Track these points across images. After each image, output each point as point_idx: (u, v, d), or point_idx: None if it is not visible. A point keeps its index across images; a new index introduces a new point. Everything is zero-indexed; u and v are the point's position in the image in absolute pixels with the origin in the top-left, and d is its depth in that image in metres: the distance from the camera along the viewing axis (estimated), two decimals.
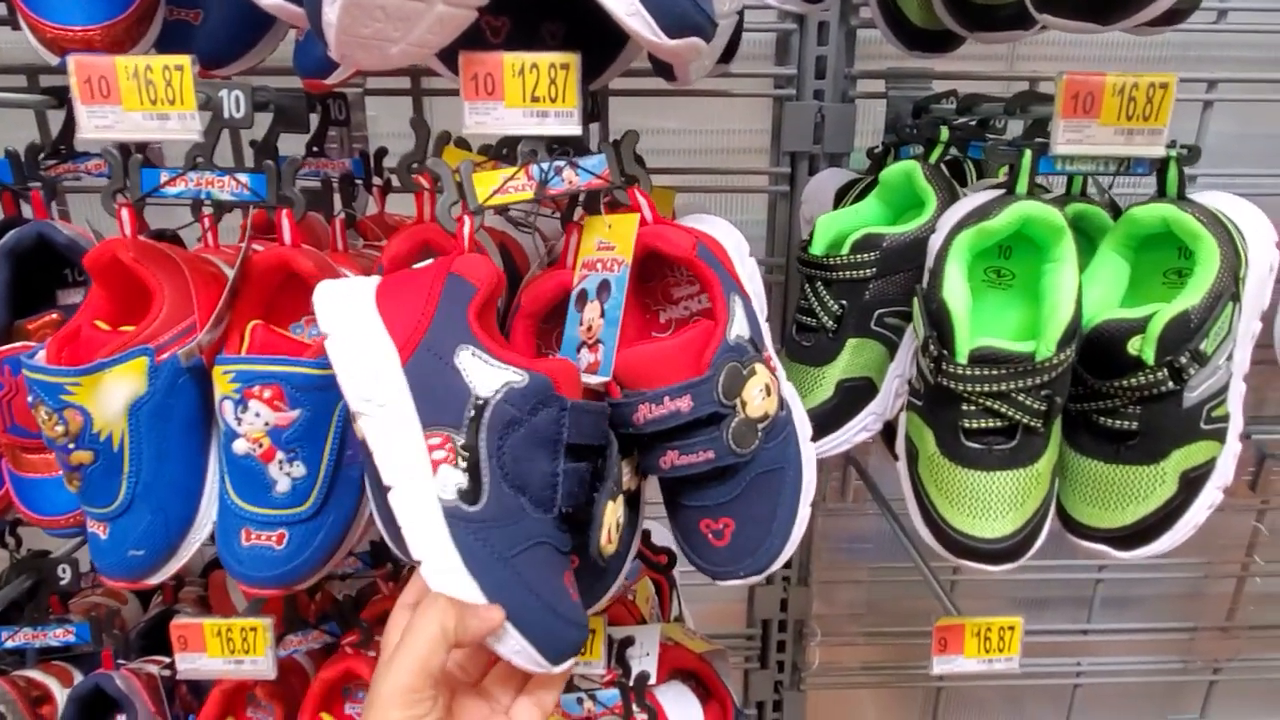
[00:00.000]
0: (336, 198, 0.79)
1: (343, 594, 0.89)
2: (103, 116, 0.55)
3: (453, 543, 0.48)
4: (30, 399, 0.59)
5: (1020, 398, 0.56)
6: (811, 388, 0.69)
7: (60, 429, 0.59)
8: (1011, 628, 0.71)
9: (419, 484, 0.48)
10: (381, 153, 0.83)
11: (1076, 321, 0.56)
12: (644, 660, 0.78)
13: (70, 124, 0.79)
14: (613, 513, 0.52)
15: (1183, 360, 0.57)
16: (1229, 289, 0.57)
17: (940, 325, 0.58)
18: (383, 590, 0.87)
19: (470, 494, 0.48)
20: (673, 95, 0.95)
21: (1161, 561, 1.17)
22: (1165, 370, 0.57)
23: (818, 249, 0.69)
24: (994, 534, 0.59)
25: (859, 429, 0.70)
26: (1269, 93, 0.96)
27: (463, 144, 0.70)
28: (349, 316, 0.51)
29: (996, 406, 0.56)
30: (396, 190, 0.85)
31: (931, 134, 0.72)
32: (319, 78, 0.73)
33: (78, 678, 0.82)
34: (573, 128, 0.55)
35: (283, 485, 0.61)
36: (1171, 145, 0.61)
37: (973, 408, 0.57)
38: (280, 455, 0.61)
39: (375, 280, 0.53)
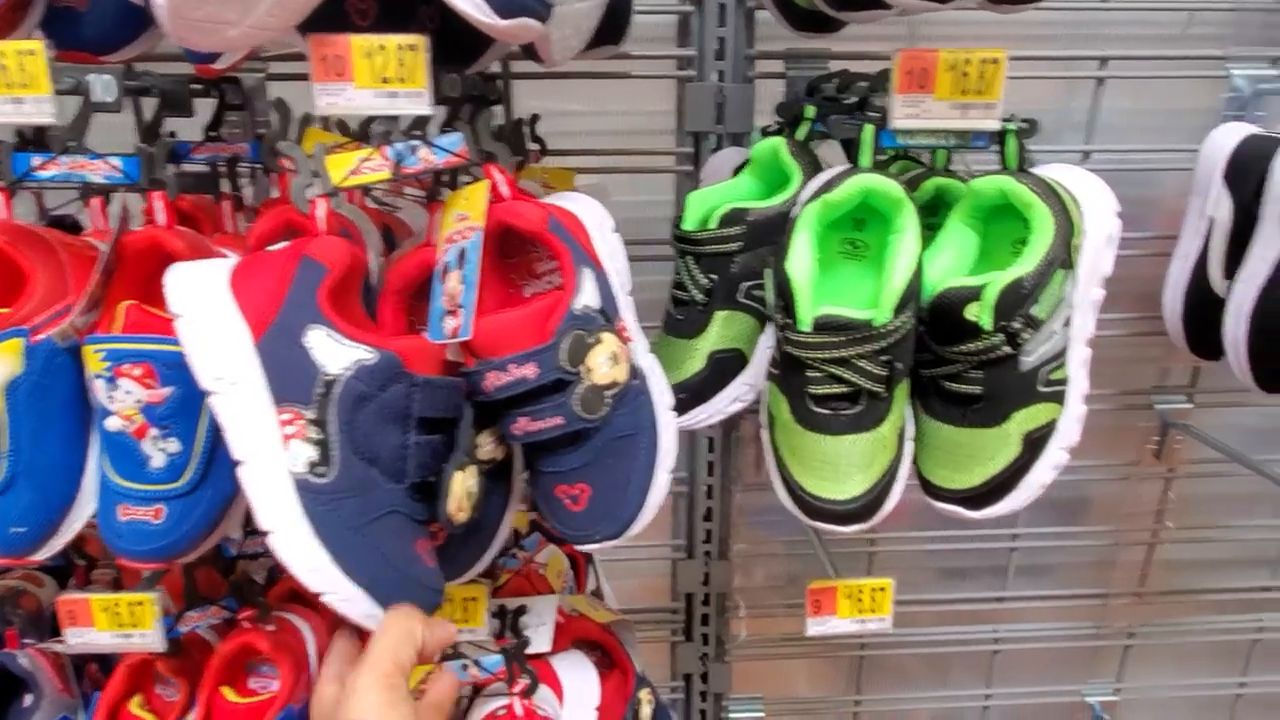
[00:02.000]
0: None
1: (258, 573, 0.90)
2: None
3: (303, 513, 0.50)
4: None
5: (861, 363, 0.58)
6: (684, 360, 0.71)
7: None
8: (882, 589, 0.73)
9: (270, 458, 0.50)
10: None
11: (911, 289, 0.59)
12: (539, 630, 0.80)
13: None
14: (461, 482, 0.54)
15: (1016, 325, 0.59)
16: (1060, 257, 0.60)
17: (785, 294, 0.60)
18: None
19: (320, 466, 0.50)
20: (579, 78, 0.98)
21: (1073, 529, 1.21)
22: (1001, 335, 0.59)
23: (688, 224, 0.71)
24: (843, 496, 0.61)
25: (731, 400, 0.72)
26: (1160, 69, 0.98)
27: (343, 127, 0.72)
28: (200, 298, 0.53)
29: (839, 373, 0.59)
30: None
31: (798, 112, 0.74)
32: (208, 63, 0.74)
33: None
34: (423, 108, 0.57)
35: (158, 461, 0.63)
36: (1010, 119, 0.63)
37: (818, 374, 0.59)
38: (154, 431, 0.62)
39: (229, 263, 0.55)
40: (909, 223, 0.60)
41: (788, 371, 0.61)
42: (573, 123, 1.03)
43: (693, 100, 0.96)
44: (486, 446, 0.61)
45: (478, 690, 0.78)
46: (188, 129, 0.77)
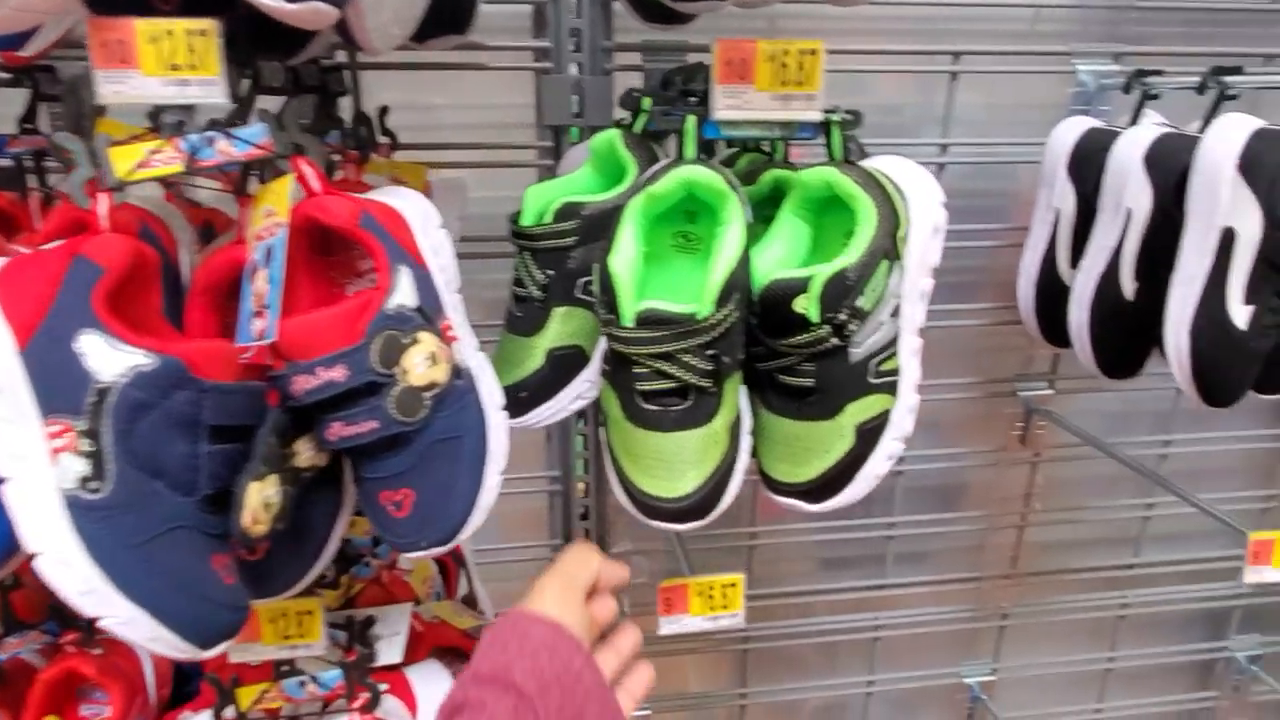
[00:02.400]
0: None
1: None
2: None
3: (74, 532, 0.46)
4: None
5: (686, 358, 0.57)
6: (524, 358, 0.69)
7: None
8: (733, 584, 0.73)
9: (36, 474, 0.47)
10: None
11: (734, 281, 0.58)
12: (390, 640, 0.78)
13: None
14: (258, 493, 0.51)
15: (843, 317, 0.59)
16: (885, 247, 0.60)
17: (608, 290, 0.59)
18: None
19: (93, 481, 0.47)
20: (430, 69, 0.95)
21: (947, 515, 1.23)
22: (828, 327, 0.59)
23: (526, 220, 0.69)
24: (675, 493, 0.60)
25: (574, 397, 0.70)
26: (1010, 64, 1.01)
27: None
28: None
29: (664, 368, 0.58)
30: None
31: (634, 105, 0.73)
32: (12, 49, 0.69)
33: None
34: (216, 96, 0.54)
35: None
36: (833, 111, 0.63)
37: (644, 370, 0.58)
38: None
39: None
40: (734, 214, 0.59)
41: (616, 368, 0.60)
42: (433, 116, 1.01)
43: (550, 93, 0.93)
44: (306, 454, 0.58)
45: (325, 706, 0.75)
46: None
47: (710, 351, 0.58)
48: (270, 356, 0.55)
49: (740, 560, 1.19)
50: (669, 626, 0.74)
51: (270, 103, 0.63)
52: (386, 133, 0.88)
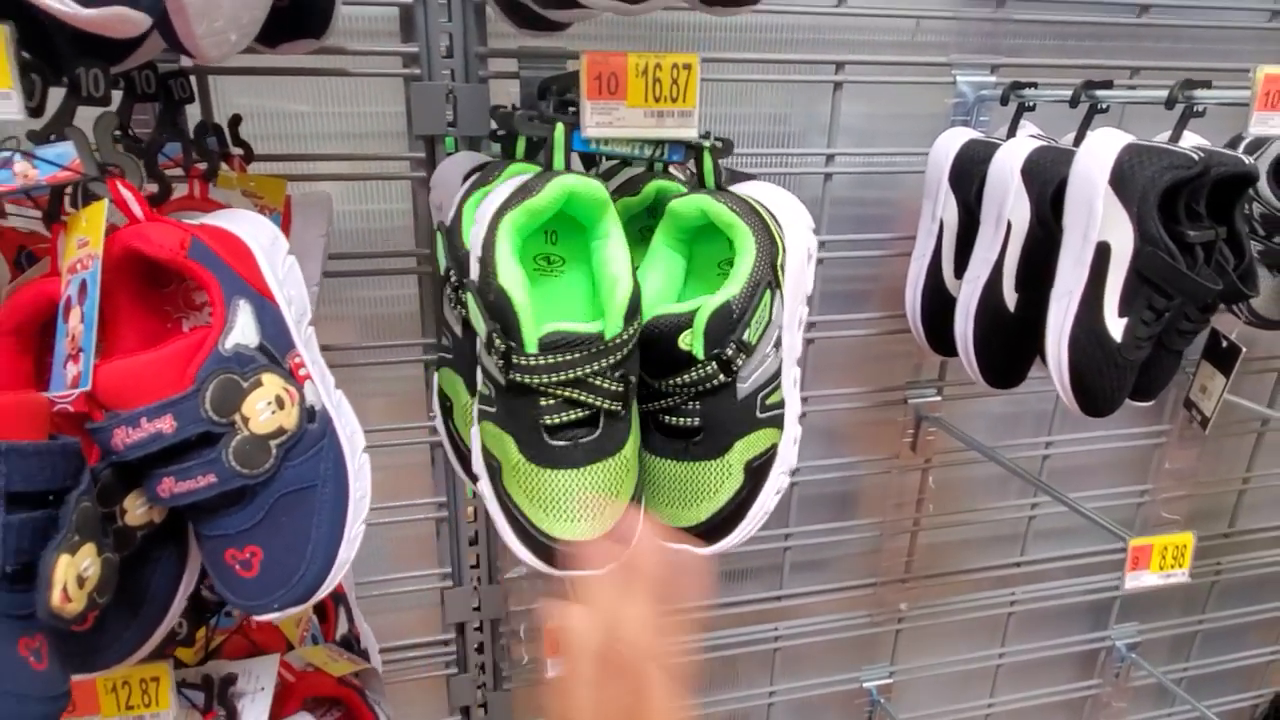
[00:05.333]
0: None
1: None
2: None
3: None
4: None
5: (597, 381, 0.53)
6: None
7: None
8: None
9: None
10: None
11: (636, 295, 0.54)
12: (255, 697, 0.71)
13: None
14: (68, 566, 0.44)
15: (729, 352, 0.56)
16: (767, 277, 0.57)
17: (504, 316, 0.53)
18: None
19: None
20: (288, 74, 0.88)
21: (842, 524, 1.23)
22: (715, 364, 0.56)
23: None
24: (595, 533, 0.55)
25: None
26: (892, 74, 1.01)
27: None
28: None
29: (575, 395, 0.53)
30: None
31: (505, 124, 0.69)
32: None
33: None
34: (12, 111, 0.47)
35: None
36: (706, 136, 0.60)
37: (551, 401, 0.53)
38: None
39: None
40: (613, 226, 0.56)
41: (511, 405, 0.55)
42: (298, 124, 0.94)
43: (421, 101, 0.88)
44: (138, 510, 0.52)
45: None
46: None
47: (619, 372, 0.54)
48: (90, 405, 0.49)
49: None
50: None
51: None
52: (240, 143, 0.81)
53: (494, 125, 0.84)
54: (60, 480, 0.45)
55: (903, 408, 1.16)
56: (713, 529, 0.62)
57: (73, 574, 0.44)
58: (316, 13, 0.72)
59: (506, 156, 0.82)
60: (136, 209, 0.51)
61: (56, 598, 0.43)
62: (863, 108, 1.02)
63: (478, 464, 0.58)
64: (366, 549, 0.83)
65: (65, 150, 0.50)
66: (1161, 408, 1.30)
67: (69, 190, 0.53)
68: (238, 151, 0.80)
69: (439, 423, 0.65)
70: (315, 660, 0.82)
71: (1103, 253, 0.75)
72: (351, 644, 0.94)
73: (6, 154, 0.48)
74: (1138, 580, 0.82)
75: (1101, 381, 0.77)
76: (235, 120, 0.81)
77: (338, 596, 0.95)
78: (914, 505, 1.23)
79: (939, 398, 1.16)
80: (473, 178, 0.68)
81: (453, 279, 0.62)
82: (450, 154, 0.90)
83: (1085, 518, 0.92)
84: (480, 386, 0.57)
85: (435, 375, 0.68)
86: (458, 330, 0.64)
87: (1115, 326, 0.76)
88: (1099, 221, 0.74)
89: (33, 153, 0.49)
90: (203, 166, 0.72)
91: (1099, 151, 0.74)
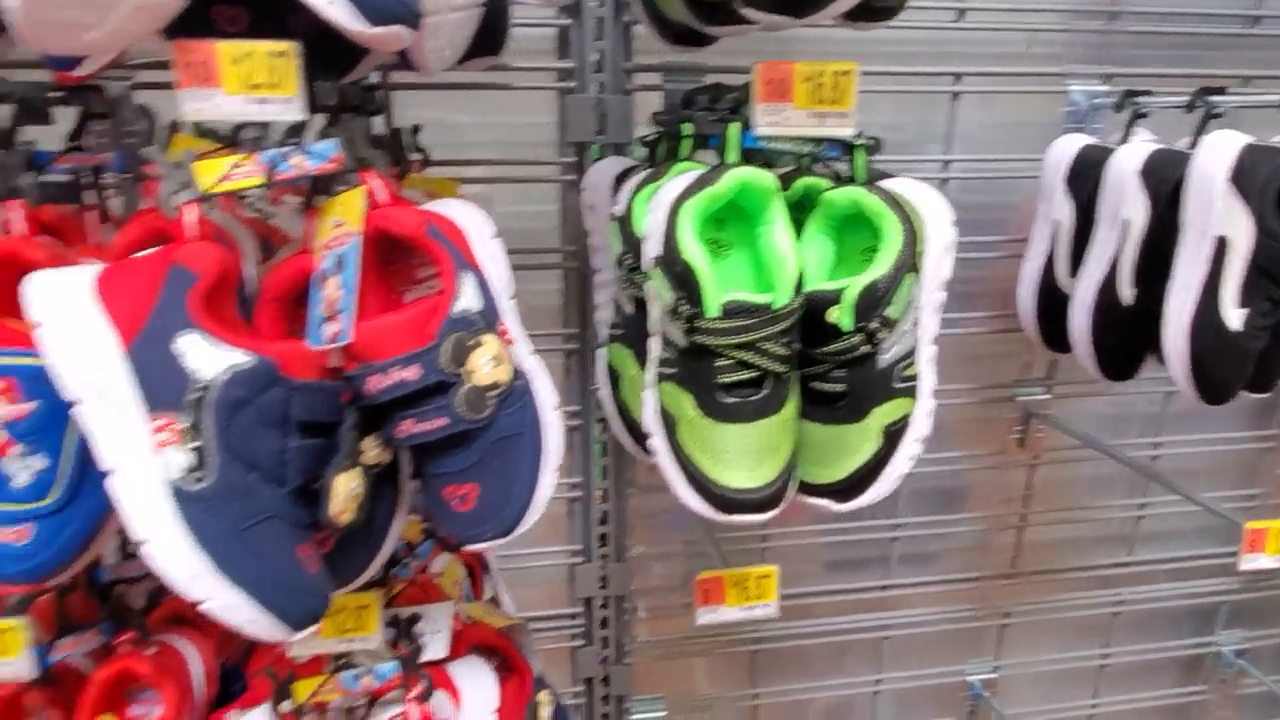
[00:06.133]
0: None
1: (136, 598, 0.87)
2: None
3: (179, 520, 0.49)
4: None
5: (767, 345, 0.61)
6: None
7: None
8: (767, 576, 0.77)
9: (142, 467, 0.49)
10: (143, 144, 0.82)
11: (801, 271, 0.62)
12: (435, 637, 0.80)
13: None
14: (345, 484, 0.54)
15: (874, 326, 0.63)
16: (908, 262, 0.64)
17: (689, 286, 0.61)
18: None
19: (197, 472, 0.50)
20: (461, 89, 0.99)
21: (949, 517, 1.28)
22: (860, 335, 0.63)
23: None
24: (758, 482, 0.63)
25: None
26: (1008, 85, 1.06)
27: (213, 135, 0.71)
28: (64, 305, 0.52)
29: (747, 357, 0.61)
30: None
31: (672, 127, 0.77)
32: (68, 70, 0.72)
33: None
34: (294, 114, 0.57)
35: (22, 479, 0.60)
36: (859, 135, 0.67)
37: (726, 362, 0.61)
38: (18, 448, 0.60)
39: (93, 269, 0.54)
40: (780, 213, 0.64)
41: (692, 366, 0.63)
42: (459, 134, 1.04)
43: (574, 112, 0.98)
44: (372, 451, 0.61)
45: (373, 700, 0.77)
46: (50, 138, 0.75)
47: (785, 339, 0.61)
48: (341, 359, 0.59)
49: (752, 561, 1.22)
50: (706, 617, 0.77)
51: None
52: (419, 149, 0.91)
53: (643, 133, 0.92)
54: (332, 414, 0.55)
55: (1010, 405, 1.21)
56: (850, 486, 0.69)
57: (346, 491, 0.53)
58: (496, 33, 0.82)
59: (652, 160, 0.92)
60: (382, 195, 0.61)
61: (336, 508, 0.52)
62: (978, 116, 1.07)
63: (653, 422, 0.66)
64: None
65: (331, 146, 0.60)
66: (1271, 411, 1.31)
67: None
68: (417, 157, 0.90)
69: (604, 394, 0.73)
70: (475, 614, 0.90)
71: (1221, 247, 0.79)
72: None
73: (288, 149, 0.58)
74: (1254, 563, 0.85)
75: (1220, 369, 0.81)
76: (415, 130, 0.91)
77: (485, 564, 1.04)
78: (1020, 501, 1.27)
79: (1048, 395, 1.20)
80: (637, 176, 0.77)
81: (626, 261, 0.70)
82: (596, 160, 0.99)
83: (1207, 510, 0.95)
84: (660, 352, 0.65)
85: (603, 352, 0.76)
86: (629, 309, 0.72)
87: (1234, 317, 0.80)
88: (1218, 217, 0.79)
89: (306, 148, 0.59)
90: (396, 169, 0.82)
91: (1220, 150, 0.79)
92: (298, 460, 0.52)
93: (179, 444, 0.49)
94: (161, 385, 0.50)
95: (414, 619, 0.79)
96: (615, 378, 0.74)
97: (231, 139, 0.65)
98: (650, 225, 0.66)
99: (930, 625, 1.30)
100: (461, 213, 0.65)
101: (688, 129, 0.76)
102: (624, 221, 0.71)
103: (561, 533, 1.16)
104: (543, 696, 0.86)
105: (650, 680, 1.25)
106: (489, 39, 0.82)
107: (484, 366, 0.58)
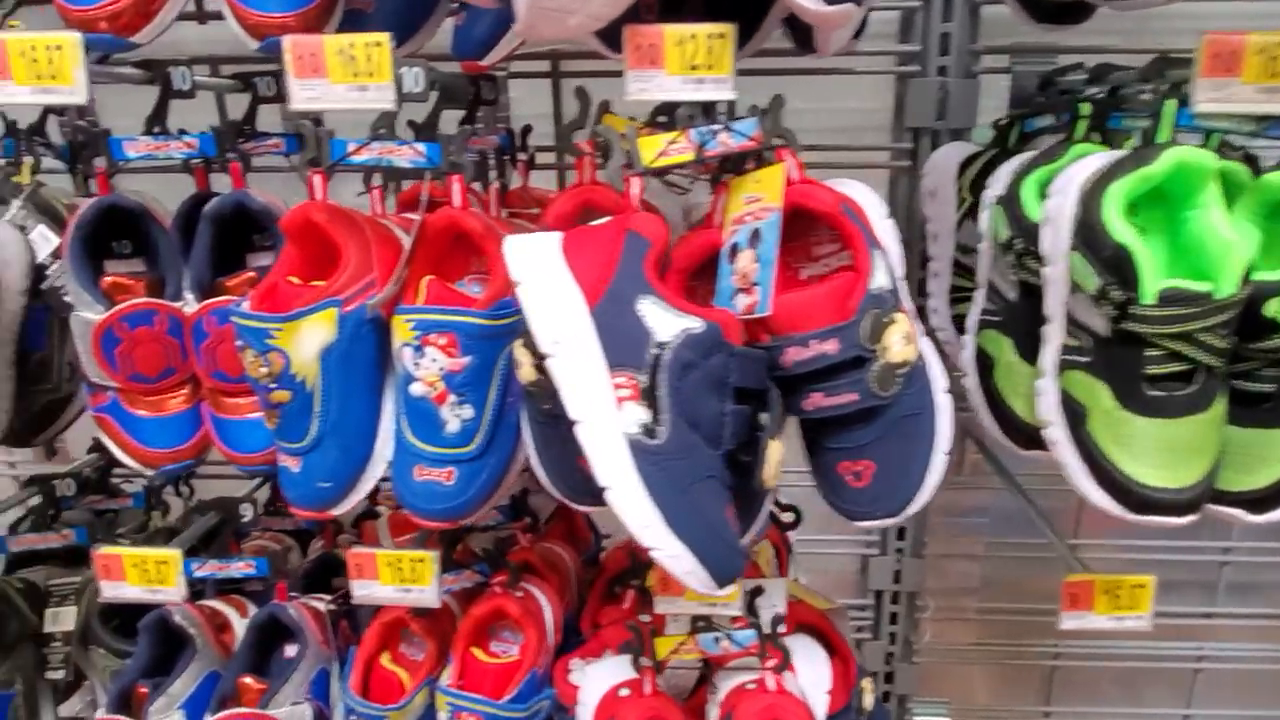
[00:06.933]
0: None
1: (481, 546, 0.95)
2: (312, 89, 0.62)
3: (636, 472, 0.53)
4: (239, 343, 0.67)
5: (1204, 337, 0.56)
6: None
7: (264, 370, 0.67)
8: (1141, 586, 0.72)
9: (606, 418, 0.53)
10: (527, 130, 0.89)
11: (1249, 260, 0.57)
12: (771, 610, 0.82)
13: (254, 107, 0.88)
14: (777, 450, 0.56)
15: None
16: None
17: (1121, 270, 0.58)
18: (521, 541, 0.93)
19: (651, 429, 0.53)
20: (796, 74, 1.00)
21: None
22: None
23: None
24: (1182, 483, 0.59)
25: None
26: None
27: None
28: (539, 266, 0.57)
29: (1181, 348, 0.57)
30: (539, 167, 0.92)
31: (1063, 106, 0.74)
32: (475, 59, 0.79)
33: (252, 609, 0.91)
34: (727, 93, 0.60)
35: (452, 426, 0.68)
36: None
37: (1158, 352, 0.57)
38: (451, 398, 0.67)
39: (558, 235, 0.58)
40: (1216, 195, 0.59)
41: (1115, 354, 0.59)
42: (791, 120, 1.05)
43: (915, 96, 0.96)
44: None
45: (712, 665, 0.80)
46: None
47: (1225, 331, 0.57)
48: (758, 329, 0.61)
49: (1057, 572, 1.16)
50: (1072, 622, 0.74)
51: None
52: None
53: (1008, 114, 0.88)
54: (759, 383, 0.57)
55: None
56: (1269, 497, 0.63)
57: (778, 458, 0.55)
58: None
59: (1003, 145, 0.88)
60: (794, 172, 0.62)
61: (769, 472, 0.54)
62: None
63: (1052, 410, 0.64)
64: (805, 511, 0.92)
65: (751, 124, 0.62)
66: None
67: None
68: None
69: (971, 383, 0.71)
70: (797, 593, 0.91)
71: None
72: None
73: (716, 127, 0.61)
74: None
75: None
76: (762, 112, 0.93)
77: (789, 546, 1.05)
78: None
79: None
80: (1018, 159, 0.74)
81: (1017, 246, 0.68)
82: (984, 145, 0.96)
83: None
84: (1066, 339, 0.63)
85: (970, 339, 0.74)
86: (1011, 294, 0.70)
87: None
88: None
89: (731, 125, 0.61)
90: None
91: None
92: (733, 424, 0.55)
93: (637, 400, 0.53)
94: (623, 344, 0.53)
95: (758, 591, 0.81)
96: (988, 364, 0.72)
97: (652, 119, 0.69)
98: (1054, 208, 0.63)
99: (1253, 662, 1.18)
100: (860, 192, 0.65)
101: (1085, 109, 0.72)
102: (1010, 204, 0.69)
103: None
104: (866, 684, 0.86)
105: (929, 683, 1.22)
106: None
107: (896, 344, 0.59)
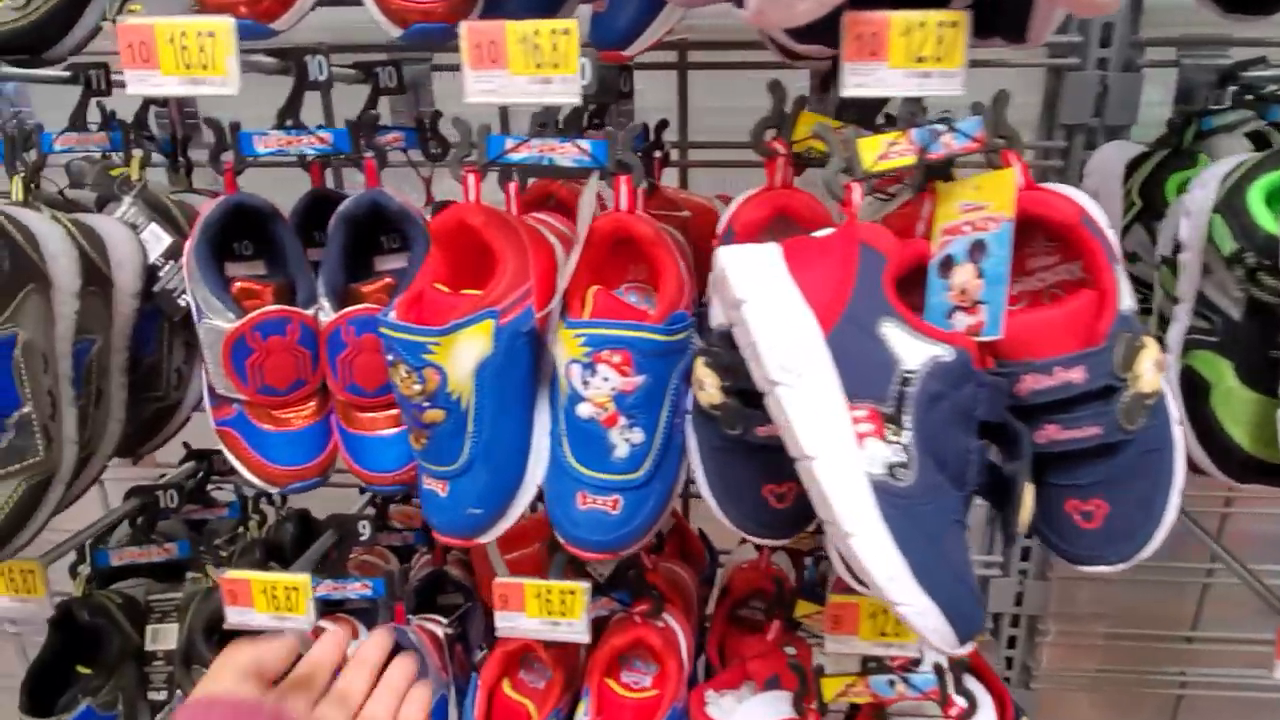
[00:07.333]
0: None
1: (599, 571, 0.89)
2: (489, 81, 0.56)
3: (881, 517, 0.47)
4: (390, 357, 0.61)
5: None
6: None
7: (418, 387, 0.61)
8: None
9: (845, 456, 0.47)
10: (663, 125, 0.83)
11: None
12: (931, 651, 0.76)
13: (374, 99, 0.82)
14: (1030, 493, 0.50)
15: None
16: None
17: (1268, 248, 0.56)
18: (645, 563, 0.88)
19: (901, 469, 0.47)
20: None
21: None
22: None
23: None
24: None
25: None
26: None
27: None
28: (765, 283, 0.50)
29: None
30: (671, 164, 0.86)
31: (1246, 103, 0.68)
32: (618, 49, 0.73)
33: (362, 631, 0.85)
34: (955, 89, 0.54)
35: (621, 451, 0.62)
36: None
37: None
38: (622, 420, 0.61)
39: (777, 247, 0.52)
40: None
41: (1244, 331, 0.58)
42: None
43: (1071, 90, 0.89)
44: None
45: (880, 710, 0.74)
46: None
47: None
48: (982, 353, 0.54)
49: (1189, 598, 1.10)
50: None
51: None
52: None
53: (1179, 110, 0.82)
54: (999, 414, 0.50)
55: None
56: None
57: (1031, 501, 0.49)
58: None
59: (1178, 143, 0.81)
60: (1020, 176, 0.56)
61: (1026, 517, 0.48)
62: None
63: (1173, 388, 0.61)
64: None
65: (976, 123, 0.56)
66: None
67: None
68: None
69: (1174, 405, 0.65)
70: None
71: None
72: None
73: (939, 127, 0.55)
74: None
75: None
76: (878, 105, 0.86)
77: None
78: None
79: None
80: (1226, 163, 0.67)
81: (1248, 260, 0.61)
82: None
83: None
84: (1194, 320, 0.61)
85: (1173, 360, 0.68)
86: (1234, 313, 0.63)
87: None
88: None
89: (955, 125, 0.55)
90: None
91: None
92: (975, 463, 0.49)
93: (881, 437, 0.47)
94: (864, 373, 0.47)
95: None
96: (1203, 388, 0.65)
97: (838, 116, 0.63)
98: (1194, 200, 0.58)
99: None
100: (1085, 200, 0.59)
101: None
102: (1235, 213, 0.63)
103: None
104: None
105: (1046, 710, 1.16)
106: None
107: (1148, 372, 0.52)
